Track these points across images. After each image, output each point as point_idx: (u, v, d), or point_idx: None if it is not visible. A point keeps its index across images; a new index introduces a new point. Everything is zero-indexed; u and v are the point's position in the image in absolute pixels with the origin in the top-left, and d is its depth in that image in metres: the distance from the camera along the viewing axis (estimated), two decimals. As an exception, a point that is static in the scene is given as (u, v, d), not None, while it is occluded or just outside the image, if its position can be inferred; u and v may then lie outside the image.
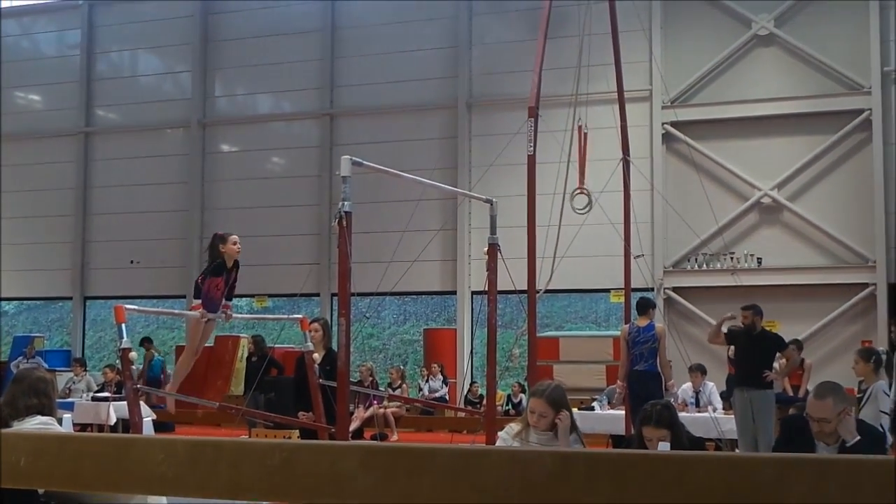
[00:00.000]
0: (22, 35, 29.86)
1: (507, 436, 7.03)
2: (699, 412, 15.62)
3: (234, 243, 11.10)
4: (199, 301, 10.40)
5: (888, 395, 11.05)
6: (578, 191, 15.45)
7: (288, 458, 3.19)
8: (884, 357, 12.37)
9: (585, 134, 15.48)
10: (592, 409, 16.78)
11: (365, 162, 9.71)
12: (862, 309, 21.95)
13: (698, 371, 16.34)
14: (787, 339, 19.16)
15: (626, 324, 15.57)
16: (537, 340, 13.36)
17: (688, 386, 16.37)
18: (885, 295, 21.61)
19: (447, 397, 22.54)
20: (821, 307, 21.96)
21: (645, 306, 15.14)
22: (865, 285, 21.82)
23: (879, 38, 21.96)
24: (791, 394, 18.78)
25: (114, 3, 28.71)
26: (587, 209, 15.26)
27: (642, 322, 14.96)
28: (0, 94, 28.41)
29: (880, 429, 10.18)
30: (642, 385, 14.46)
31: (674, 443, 6.59)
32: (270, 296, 26.28)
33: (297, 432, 13.08)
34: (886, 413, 10.96)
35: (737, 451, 13.67)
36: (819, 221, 22.12)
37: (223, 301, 10.57)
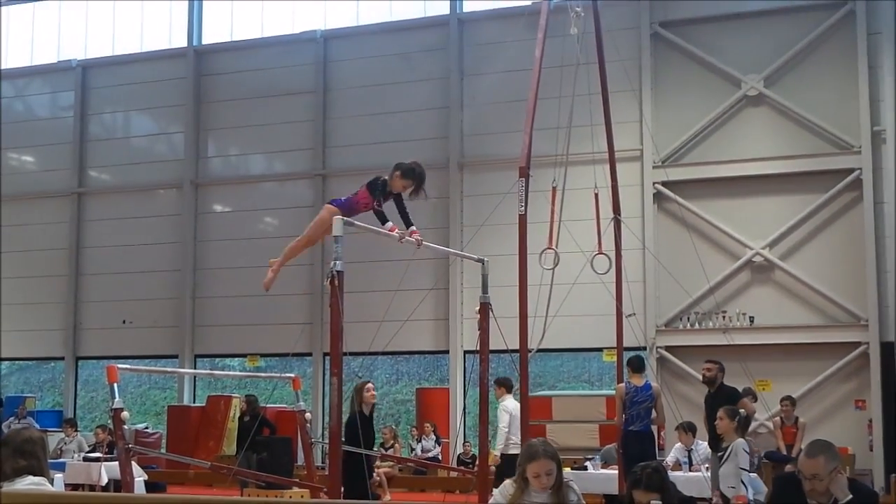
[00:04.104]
0: (16, 97, 29.98)
1: (502, 498, 7.03)
2: (692, 471, 15.56)
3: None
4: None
5: (747, 453, 11.77)
6: (547, 249, 15.50)
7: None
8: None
9: (554, 188, 15.54)
10: (585, 468, 16.72)
11: (356, 222, 9.76)
12: (855, 368, 21.91)
13: (687, 430, 16.26)
14: (779, 398, 19.30)
15: (619, 383, 15.57)
16: (530, 400, 13.35)
17: (681, 445, 16.30)
18: (877, 353, 21.56)
19: (440, 457, 22.44)
20: (814, 366, 21.92)
21: (641, 365, 15.17)
22: (858, 344, 21.78)
23: (869, 97, 22.08)
24: (785, 452, 18.73)
25: (107, 65, 28.87)
26: (554, 266, 15.22)
27: (638, 381, 14.97)
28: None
29: (742, 484, 11.34)
30: (638, 446, 14.45)
31: (665, 504, 6.58)
32: (262, 355, 26.26)
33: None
34: (745, 469, 11.71)
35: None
36: (811, 280, 22.14)
37: None
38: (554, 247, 15.23)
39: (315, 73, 26.60)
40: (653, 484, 6.63)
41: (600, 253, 15.95)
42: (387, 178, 10.27)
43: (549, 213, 15.33)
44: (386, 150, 25.39)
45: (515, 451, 14.54)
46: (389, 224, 10.36)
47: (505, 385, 15.49)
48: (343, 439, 10.20)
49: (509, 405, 15.13)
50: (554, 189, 15.43)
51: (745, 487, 11.52)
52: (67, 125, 28.82)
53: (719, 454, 12.13)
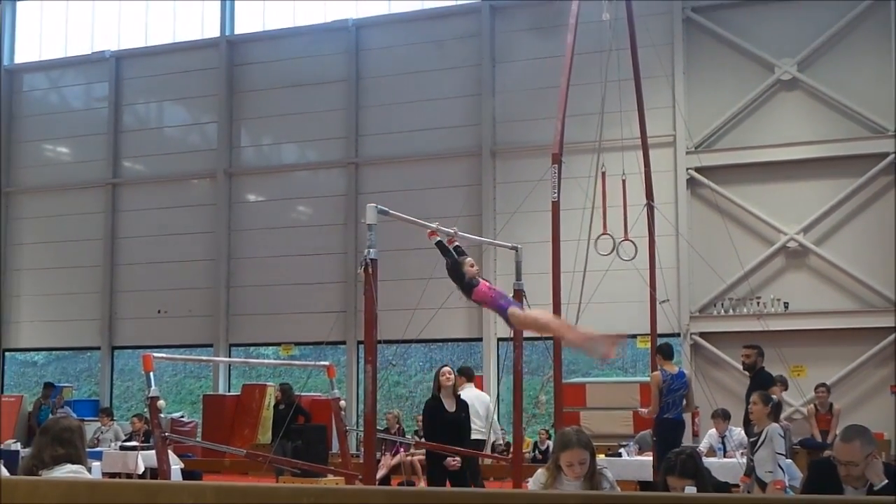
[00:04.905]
0: (50, 88, 30.18)
1: (536, 486, 7.06)
2: (727, 458, 15.54)
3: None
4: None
5: (782, 438, 11.64)
6: (602, 235, 15.55)
7: None
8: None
9: (603, 173, 15.55)
10: (619, 455, 16.72)
11: (390, 210, 9.77)
12: (890, 353, 21.77)
13: (721, 417, 16.24)
14: (815, 383, 19.30)
15: (653, 370, 15.55)
16: (563, 387, 13.36)
17: (714, 432, 16.28)
18: (913, 339, 21.49)
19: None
20: (849, 351, 21.82)
21: (671, 353, 15.21)
22: (893, 329, 21.65)
23: (904, 81, 21.97)
24: (820, 439, 18.69)
25: (140, 55, 28.99)
26: (611, 252, 15.32)
27: (672, 369, 15.01)
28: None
29: (779, 469, 11.27)
30: (672, 433, 14.48)
31: (699, 490, 6.57)
32: (297, 344, 26.33)
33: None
34: (782, 454, 11.60)
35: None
36: (846, 265, 22.03)
37: None
38: (609, 232, 15.35)
39: (347, 61, 26.62)
40: (687, 470, 6.64)
41: (626, 239, 15.91)
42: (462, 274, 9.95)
43: (601, 198, 15.38)
44: (418, 137, 25.46)
45: (477, 436, 14.68)
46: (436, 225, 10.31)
47: (465, 374, 15.56)
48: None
49: (466, 395, 15.24)
50: (603, 174, 15.46)
51: (783, 472, 11.52)
52: (102, 116, 28.95)
53: (752, 439, 12.15)
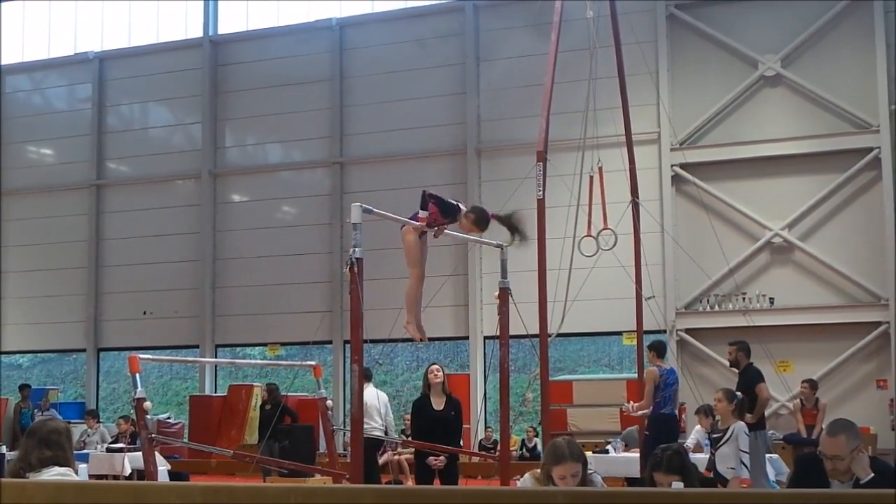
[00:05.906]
0: (33, 90, 30.10)
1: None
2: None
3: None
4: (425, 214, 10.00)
5: (747, 436, 11.87)
6: (604, 229, 15.60)
7: (303, 503, 3.20)
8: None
9: (600, 168, 15.58)
10: (606, 452, 16.74)
11: (374, 209, 9.75)
12: (876, 347, 21.86)
13: (704, 413, 16.22)
14: (801, 379, 19.36)
15: (639, 366, 15.59)
16: (550, 384, 13.36)
17: (700, 428, 16.29)
18: (898, 333, 21.55)
19: (461, 443, 22.45)
20: (834, 346, 21.87)
21: (665, 349, 15.29)
22: (879, 324, 21.73)
23: (887, 76, 22.00)
24: (805, 434, 18.73)
25: (124, 56, 28.92)
26: (612, 246, 15.39)
27: (665, 365, 15.08)
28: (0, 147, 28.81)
29: (742, 466, 11.50)
30: (666, 428, 14.52)
31: (686, 486, 6.57)
32: (283, 344, 26.31)
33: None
34: (745, 452, 11.78)
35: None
36: (831, 260, 22.08)
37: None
38: (612, 227, 15.41)
39: (331, 61, 26.59)
40: (673, 466, 6.63)
41: (588, 235, 15.84)
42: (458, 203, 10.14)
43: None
44: (403, 136, 25.45)
45: (374, 433, 15.23)
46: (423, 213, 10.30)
47: (364, 375, 15.84)
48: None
49: (367, 394, 15.53)
50: (601, 169, 15.49)
51: (746, 469, 11.60)
52: (85, 117, 28.89)
53: (716, 436, 12.24)
